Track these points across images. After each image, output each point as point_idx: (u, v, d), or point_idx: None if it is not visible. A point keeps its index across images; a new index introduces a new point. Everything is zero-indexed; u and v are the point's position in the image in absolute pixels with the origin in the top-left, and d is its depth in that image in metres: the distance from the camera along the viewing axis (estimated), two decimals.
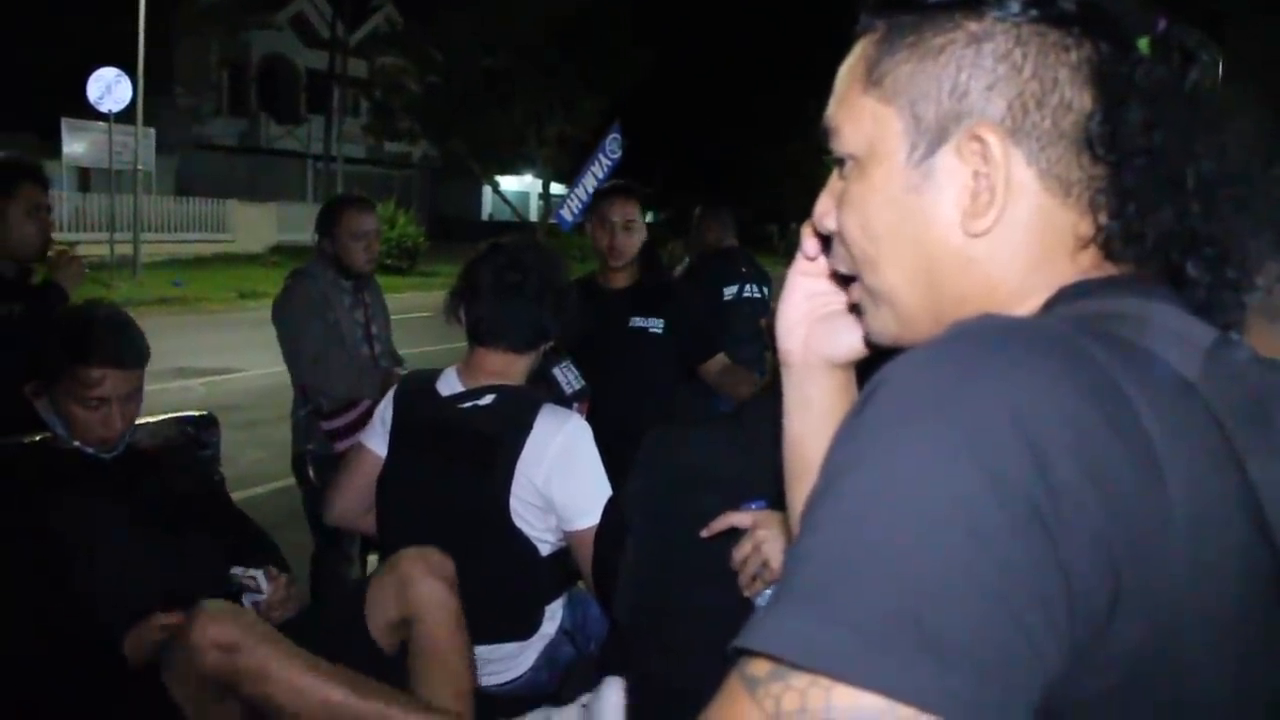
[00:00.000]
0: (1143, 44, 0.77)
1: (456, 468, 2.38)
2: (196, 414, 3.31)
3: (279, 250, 26.14)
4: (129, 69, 19.21)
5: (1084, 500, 0.58)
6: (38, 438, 2.58)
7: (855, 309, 0.92)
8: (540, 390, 2.69)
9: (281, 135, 35.99)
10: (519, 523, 2.34)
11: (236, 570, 2.47)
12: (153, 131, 20.97)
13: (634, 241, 3.84)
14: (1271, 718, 0.66)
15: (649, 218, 20.21)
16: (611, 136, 8.88)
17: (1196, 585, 0.61)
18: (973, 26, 0.78)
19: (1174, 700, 0.62)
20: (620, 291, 3.88)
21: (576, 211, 9.32)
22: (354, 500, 2.64)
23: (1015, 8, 0.77)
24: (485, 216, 40.94)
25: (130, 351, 2.53)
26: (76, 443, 2.51)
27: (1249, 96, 0.79)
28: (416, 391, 2.56)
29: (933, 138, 0.79)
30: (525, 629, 2.48)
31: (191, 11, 31.43)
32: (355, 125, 34.97)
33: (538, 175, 34.90)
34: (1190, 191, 0.74)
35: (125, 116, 19.52)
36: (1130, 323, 0.70)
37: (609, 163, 8.78)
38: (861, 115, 0.83)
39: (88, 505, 2.43)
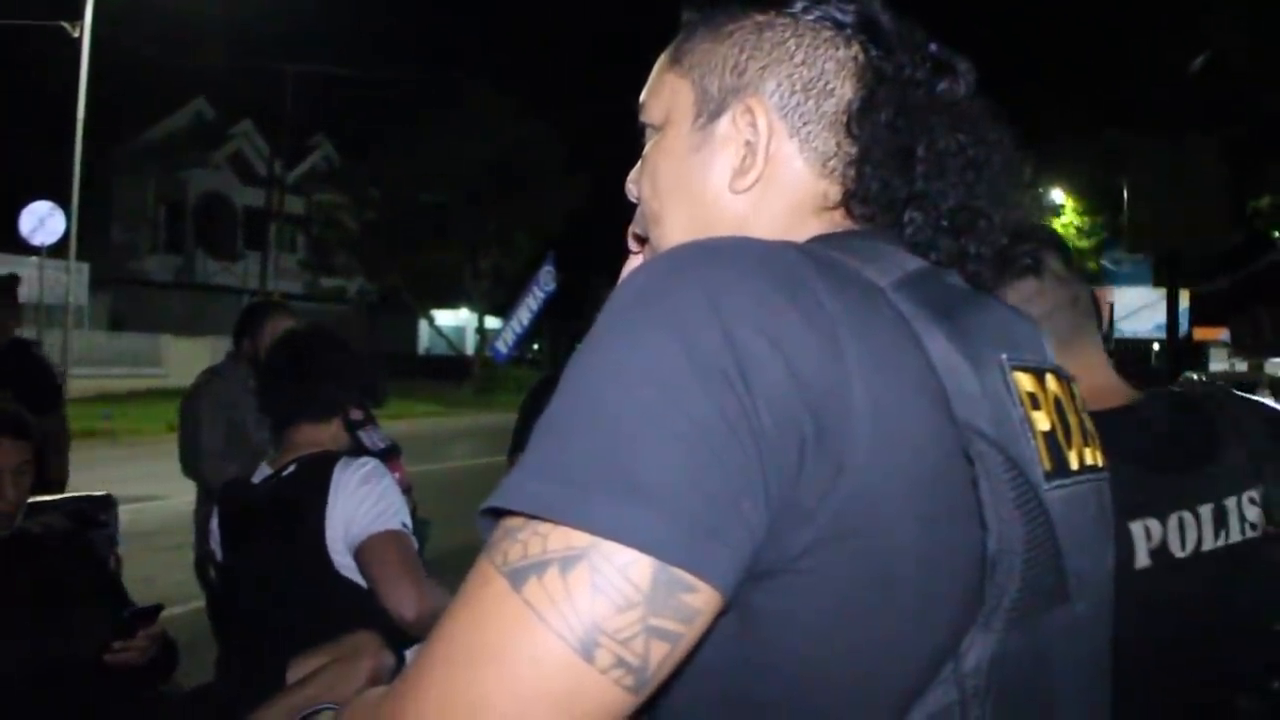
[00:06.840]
0: (917, 57, 0.90)
1: (273, 539, 2.43)
2: (94, 495, 3.35)
3: None
4: (64, 204, 19.18)
5: (766, 364, 0.67)
6: None
7: None
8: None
9: (218, 271, 35.98)
10: (344, 571, 2.36)
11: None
12: (86, 266, 20.83)
13: None
14: (965, 568, 0.73)
15: None
16: (545, 269, 9.06)
17: (882, 440, 0.69)
18: (759, 17, 0.93)
19: (876, 551, 0.69)
20: None
21: (511, 344, 9.45)
22: None
23: (797, 7, 0.92)
24: (422, 351, 40.85)
25: (20, 421, 2.57)
26: None
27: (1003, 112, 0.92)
28: (233, 488, 2.69)
29: (715, 107, 0.92)
30: None
31: (129, 149, 31.64)
32: (292, 261, 35.11)
33: (473, 309, 35.11)
34: (919, 158, 0.86)
35: (59, 251, 19.41)
36: (840, 248, 0.81)
37: (543, 295, 8.95)
38: (663, 88, 0.97)
39: None
